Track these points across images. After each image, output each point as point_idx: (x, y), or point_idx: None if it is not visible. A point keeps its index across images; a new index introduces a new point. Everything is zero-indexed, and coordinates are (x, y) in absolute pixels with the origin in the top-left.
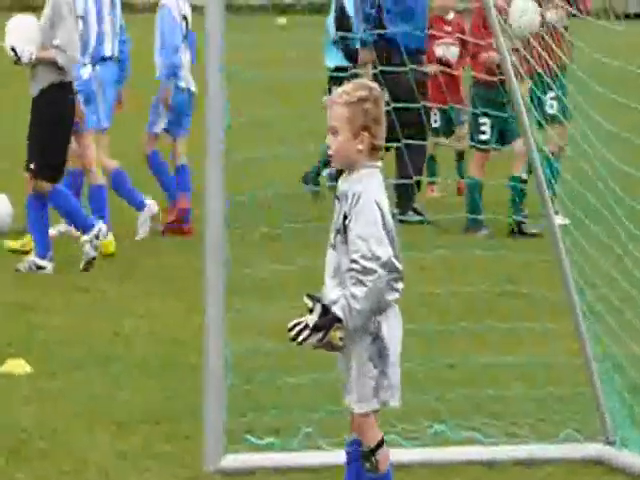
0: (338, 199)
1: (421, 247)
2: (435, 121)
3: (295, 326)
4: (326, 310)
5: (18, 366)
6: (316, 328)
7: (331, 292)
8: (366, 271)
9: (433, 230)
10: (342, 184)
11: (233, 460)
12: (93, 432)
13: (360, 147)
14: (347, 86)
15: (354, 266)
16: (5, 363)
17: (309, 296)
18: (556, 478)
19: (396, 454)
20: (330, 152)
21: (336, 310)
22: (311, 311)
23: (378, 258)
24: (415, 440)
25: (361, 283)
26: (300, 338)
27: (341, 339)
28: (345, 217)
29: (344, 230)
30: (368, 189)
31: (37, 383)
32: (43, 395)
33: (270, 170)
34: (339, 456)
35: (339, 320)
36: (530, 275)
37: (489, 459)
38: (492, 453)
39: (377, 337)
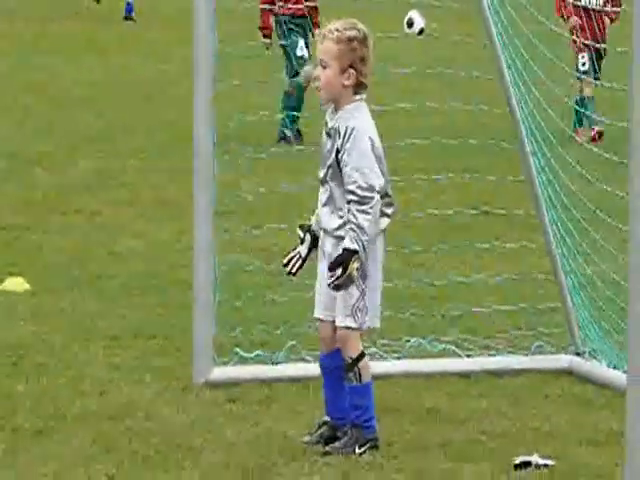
0: (329, 135)
1: (400, 172)
2: (583, 64)
3: (290, 261)
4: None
5: (17, 284)
6: (335, 266)
7: (327, 219)
8: (364, 200)
9: (412, 155)
10: (331, 120)
11: (221, 372)
12: (89, 347)
13: (346, 83)
14: (338, 23)
15: (352, 197)
16: (5, 281)
17: (301, 227)
18: (528, 388)
19: (377, 366)
20: (317, 84)
21: (349, 245)
22: (302, 241)
23: (373, 187)
24: (395, 353)
25: (363, 212)
26: (294, 269)
27: (357, 269)
28: (338, 152)
29: (337, 164)
30: (359, 123)
31: (35, 301)
32: (41, 312)
33: (257, 97)
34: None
35: (355, 252)
36: (504, 195)
37: (465, 370)
38: (468, 365)
39: (362, 262)
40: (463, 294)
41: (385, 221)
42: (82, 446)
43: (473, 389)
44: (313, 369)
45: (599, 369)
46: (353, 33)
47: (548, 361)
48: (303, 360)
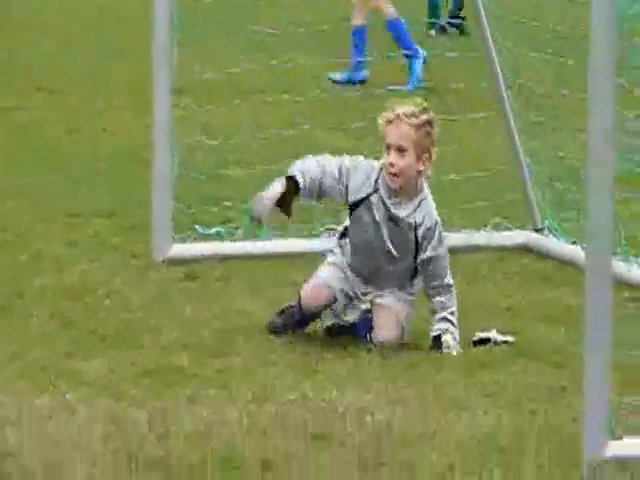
0: (396, 223)
1: None
2: None
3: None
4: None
5: None
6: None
7: (388, 296)
8: (451, 290)
9: None
10: (399, 210)
11: (180, 249)
12: (47, 225)
13: (422, 169)
14: (411, 108)
15: (446, 290)
16: None
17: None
18: (488, 264)
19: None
20: (394, 170)
21: (444, 326)
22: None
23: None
24: None
25: (453, 298)
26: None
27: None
28: (417, 243)
29: (415, 254)
30: (436, 215)
31: None
32: (2, 191)
33: None
34: (279, 245)
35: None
36: (457, 71)
37: None
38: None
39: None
40: None
41: None
42: (40, 323)
43: None
44: (272, 246)
45: (558, 245)
46: (427, 117)
47: (507, 237)
48: (260, 238)
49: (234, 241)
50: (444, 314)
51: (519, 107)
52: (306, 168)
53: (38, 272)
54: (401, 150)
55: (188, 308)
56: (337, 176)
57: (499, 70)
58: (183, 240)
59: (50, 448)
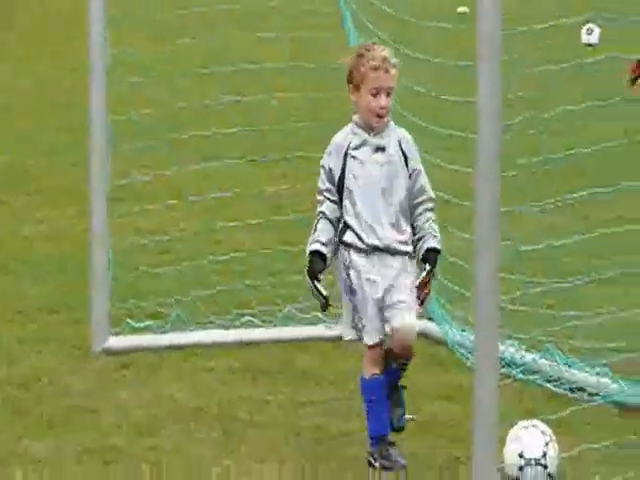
0: (380, 150)
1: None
2: None
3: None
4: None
5: None
6: (432, 269)
7: (389, 234)
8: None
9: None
10: (375, 139)
11: (116, 341)
12: None
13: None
14: (388, 50)
15: (432, 205)
16: None
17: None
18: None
19: (252, 333)
20: (384, 111)
21: (437, 246)
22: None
23: None
24: (269, 322)
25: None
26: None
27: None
28: (406, 159)
29: (407, 169)
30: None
31: None
32: None
33: (151, 92)
34: (205, 335)
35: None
36: None
37: (334, 336)
38: (337, 330)
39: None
40: None
41: None
42: None
43: (340, 352)
44: (197, 337)
45: (449, 332)
46: (396, 58)
47: None
48: (189, 330)
49: (163, 333)
50: (432, 231)
51: None
52: (317, 235)
53: None
54: (389, 93)
55: (123, 394)
56: (331, 196)
57: None
58: (118, 333)
59: None
